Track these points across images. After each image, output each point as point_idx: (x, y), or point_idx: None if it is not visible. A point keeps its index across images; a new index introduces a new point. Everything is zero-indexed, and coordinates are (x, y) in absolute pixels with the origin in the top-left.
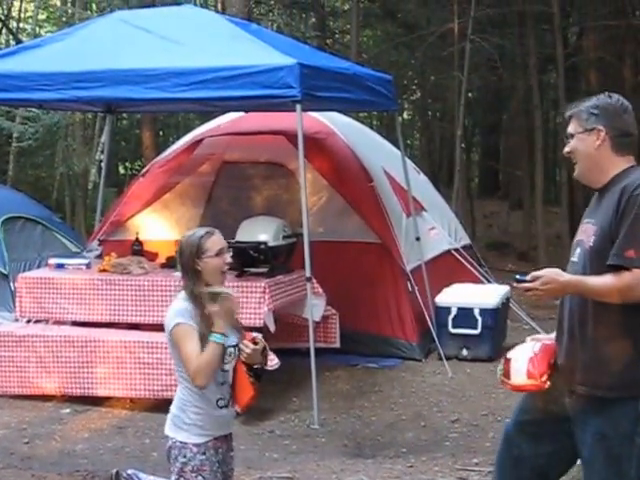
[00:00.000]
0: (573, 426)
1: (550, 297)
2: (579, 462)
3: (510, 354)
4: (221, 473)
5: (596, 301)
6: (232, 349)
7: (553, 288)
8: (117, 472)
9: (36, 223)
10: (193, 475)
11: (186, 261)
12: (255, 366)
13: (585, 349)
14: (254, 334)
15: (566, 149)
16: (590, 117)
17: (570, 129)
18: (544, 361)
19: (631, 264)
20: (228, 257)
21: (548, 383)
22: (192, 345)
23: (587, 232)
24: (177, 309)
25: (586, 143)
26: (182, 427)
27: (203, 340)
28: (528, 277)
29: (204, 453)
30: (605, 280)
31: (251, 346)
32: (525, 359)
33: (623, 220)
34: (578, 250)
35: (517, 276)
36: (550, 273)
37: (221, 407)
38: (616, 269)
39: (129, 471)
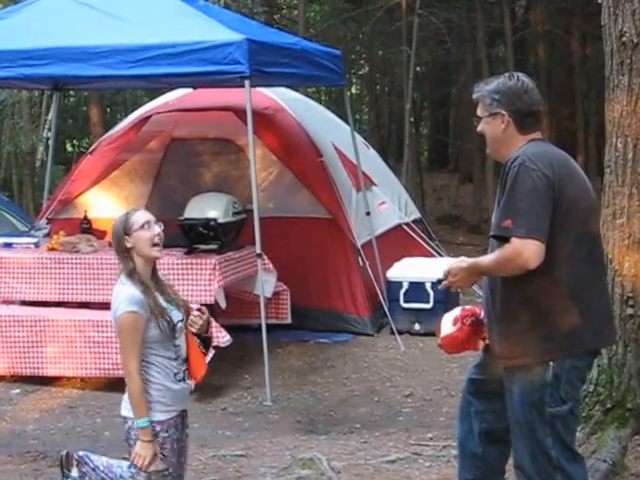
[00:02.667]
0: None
1: (469, 283)
2: None
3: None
4: (178, 450)
5: (498, 278)
6: (180, 324)
7: (462, 277)
8: (67, 453)
9: None
10: None
11: (117, 243)
12: (203, 335)
13: (495, 323)
14: (196, 305)
15: (478, 129)
16: (493, 102)
17: (478, 112)
18: (468, 311)
19: (508, 233)
20: (157, 229)
21: (481, 343)
22: (137, 338)
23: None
24: (130, 296)
25: (492, 126)
26: None
27: (154, 317)
28: (442, 276)
29: (167, 430)
30: (492, 256)
31: (203, 317)
32: (453, 312)
33: (503, 193)
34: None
35: (436, 281)
36: (455, 264)
37: (179, 380)
38: (500, 241)
39: (80, 453)
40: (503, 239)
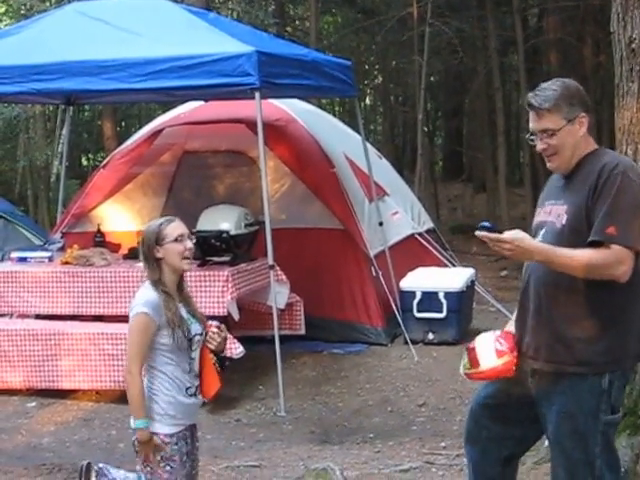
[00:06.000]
0: (537, 406)
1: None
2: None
3: (472, 344)
4: (189, 463)
5: (565, 281)
6: (198, 337)
7: (516, 252)
8: (88, 464)
9: None
10: (161, 465)
11: (147, 250)
12: (220, 354)
13: (551, 327)
14: (216, 322)
15: (551, 142)
16: (571, 107)
17: (550, 125)
18: (509, 339)
19: (611, 240)
20: (189, 243)
21: (514, 369)
22: (144, 340)
23: (554, 213)
24: (149, 299)
25: (572, 133)
26: (154, 417)
27: (170, 327)
28: (492, 229)
29: (176, 443)
30: (582, 252)
31: (222, 334)
32: (490, 340)
33: (602, 198)
34: (543, 231)
35: (484, 223)
36: (518, 237)
37: (190, 395)
38: (594, 246)
39: (100, 465)
40: (596, 244)
